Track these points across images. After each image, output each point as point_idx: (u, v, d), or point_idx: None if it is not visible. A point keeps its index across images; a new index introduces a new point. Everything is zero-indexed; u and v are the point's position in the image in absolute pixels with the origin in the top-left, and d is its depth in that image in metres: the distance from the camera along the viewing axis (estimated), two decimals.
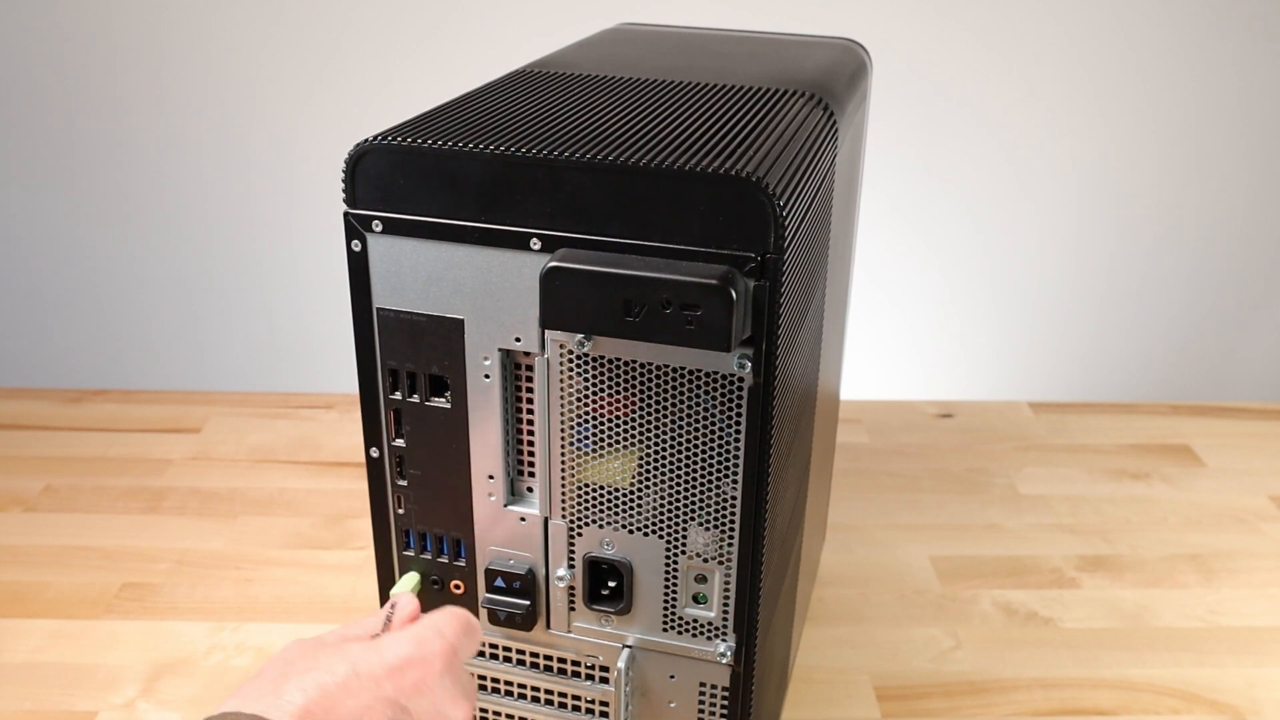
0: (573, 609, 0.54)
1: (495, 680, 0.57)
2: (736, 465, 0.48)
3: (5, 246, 1.40)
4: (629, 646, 0.54)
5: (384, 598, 0.57)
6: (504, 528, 0.53)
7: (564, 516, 0.52)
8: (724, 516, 0.49)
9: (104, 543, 0.92)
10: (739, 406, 0.47)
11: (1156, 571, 0.91)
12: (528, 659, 0.56)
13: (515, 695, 0.57)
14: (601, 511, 0.51)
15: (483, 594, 0.54)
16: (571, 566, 0.53)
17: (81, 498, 0.98)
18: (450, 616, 0.48)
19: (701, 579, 0.51)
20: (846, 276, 0.78)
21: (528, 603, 0.53)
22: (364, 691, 0.42)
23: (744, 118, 0.52)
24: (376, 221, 0.48)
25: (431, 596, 0.56)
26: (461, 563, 0.54)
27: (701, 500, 0.49)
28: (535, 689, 0.57)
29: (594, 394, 0.49)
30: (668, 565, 0.51)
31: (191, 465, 1.04)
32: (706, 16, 1.22)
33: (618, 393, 0.48)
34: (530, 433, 0.51)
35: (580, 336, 0.47)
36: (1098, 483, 1.03)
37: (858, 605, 0.86)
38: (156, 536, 0.93)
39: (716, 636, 0.52)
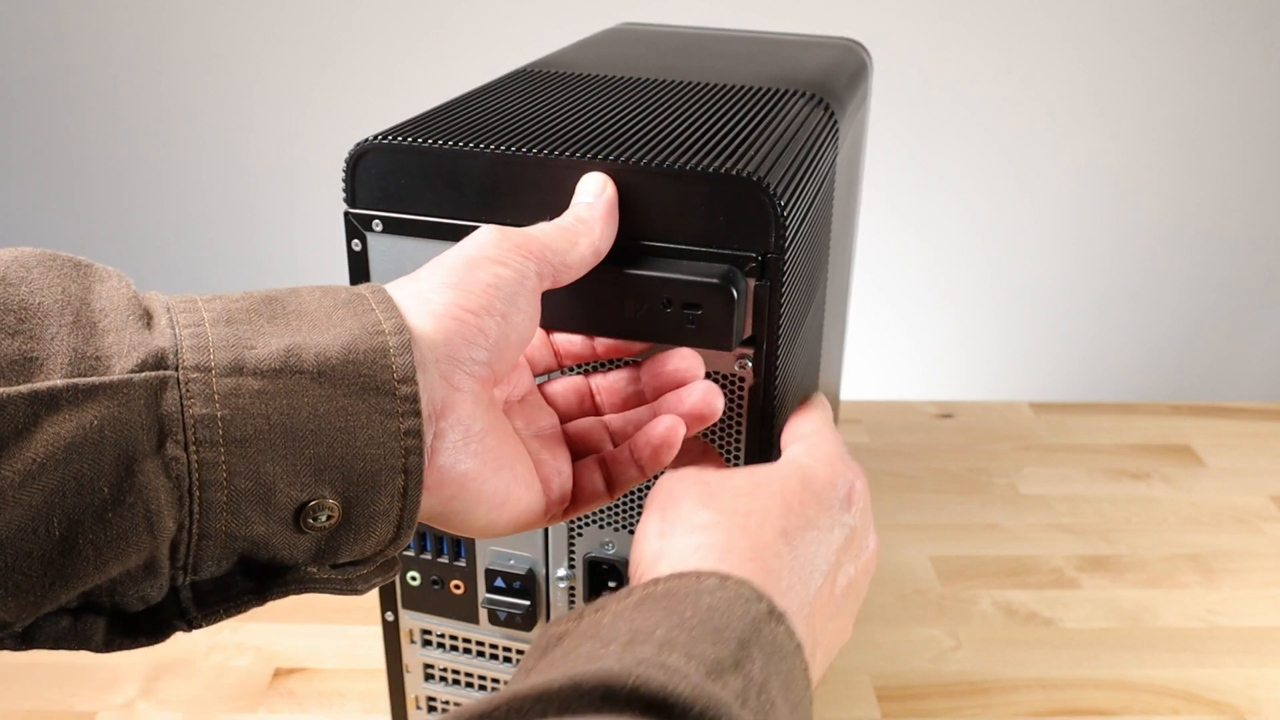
0: (573, 609, 0.54)
1: (495, 680, 0.57)
2: (737, 465, 0.48)
3: (5, 247, 1.40)
4: None
5: (384, 598, 0.57)
6: None
7: None
8: None
9: None
10: (739, 406, 0.47)
11: (1156, 571, 0.90)
12: None
13: None
14: (601, 511, 0.51)
15: (483, 594, 0.54)
16: (571, 566, 0.53)
17: None
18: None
19: None
20: (846, 276, 0.78)
21: (528, 603, 0.53)
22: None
23: (744, 118, 0.52)
24: (376, 221, 0.48)
25: (431, 596, 0.56)
26: (461, 563, 0.54)
27: None
28: None
29: None
30: None
31: None
32: (706, 16, 1.22)
33: None
34: None
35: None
36: (1098, 483, 1.03)
37: None
38: None
39: None
